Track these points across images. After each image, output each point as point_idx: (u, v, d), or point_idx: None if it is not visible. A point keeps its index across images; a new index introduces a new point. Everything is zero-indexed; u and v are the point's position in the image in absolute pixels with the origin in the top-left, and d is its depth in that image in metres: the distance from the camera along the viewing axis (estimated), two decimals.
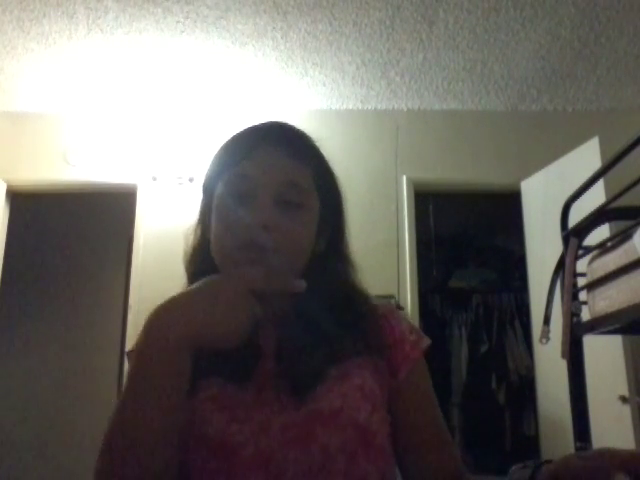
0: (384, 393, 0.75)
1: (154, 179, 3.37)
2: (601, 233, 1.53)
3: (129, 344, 3.25)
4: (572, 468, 0.52)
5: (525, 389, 3.81)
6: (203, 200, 0.82)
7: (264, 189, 0.74)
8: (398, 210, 3.36)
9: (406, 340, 0.79)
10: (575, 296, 1.50)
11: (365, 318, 0.78)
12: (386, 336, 0.78)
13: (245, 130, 0.79)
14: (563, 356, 1.49)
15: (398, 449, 0.77)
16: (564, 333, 1.47)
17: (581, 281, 1.52)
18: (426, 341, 0.80)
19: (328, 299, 0.77)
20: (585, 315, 1.47)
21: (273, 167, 0.75)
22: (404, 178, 3.41)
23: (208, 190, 0.80)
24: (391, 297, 3.02)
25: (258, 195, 0.74)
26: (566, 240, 1.55)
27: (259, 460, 0.66)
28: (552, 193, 2.94)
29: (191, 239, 0.82)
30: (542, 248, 3.01)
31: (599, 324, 1.38)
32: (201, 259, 0.79)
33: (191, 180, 3.34)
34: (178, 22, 2.72)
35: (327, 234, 0.81)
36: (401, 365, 0.77)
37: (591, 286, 1.43)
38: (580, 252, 1.52)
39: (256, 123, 0.80)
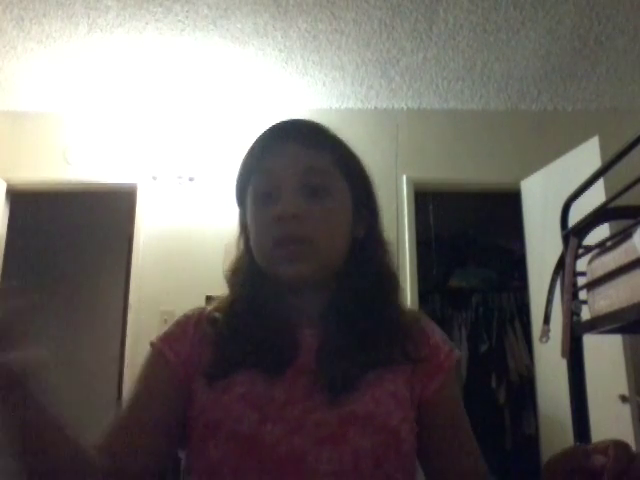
0: (414, 402, 0.76)
1: (154, 178, 3.37)
2: (601, 232, 1.53)
3: (129, 343, 3.25)
4: (556, 457, 0.58)
5: (525, 388, 3.81)
6: (240, 212, 0.85)
7: (287, 180, 0.76)
8: (398, 209, 3.36)
9: (441, 350, 0.80)
10: (575, 295, 1.50)
11: (404, 323, 0.79)
12: (423, 345, 0.79)
13: (262, 132, 0.82)
14: (563, 355, 1.48)
15: (425, 456, 0.77)
16: (564, 332, 1.47)
17: (581, 280, 1.52)
18: (458, 353, 0.82)
19: (368, 290, 0.78)
20: (585, 314, 1.47)
21: (292, 157, 0.78)
22: (404, 177, 3.41)
23: (241, 200, 0.84)
24: None
25: (282, 187, 0.76)
26: (566, 239, 1.55)
27: (293, 458, 0.67)
28: (552, 192, 2.94)
29: (233, 252, 0.84)
30: (542, 247, 3.01)
31: (599, 323, 1.38)
32: (245, 268, 0.81)
33: (191, 180, 3.33)
34: (178, 21, 2.72)
35: (365, 219, 0.83)
36: (435, 375, 0.78)
37: (591, 285, 1.43)
38: (580, 251, 1.52)
39: (272, 123, 0.82)
